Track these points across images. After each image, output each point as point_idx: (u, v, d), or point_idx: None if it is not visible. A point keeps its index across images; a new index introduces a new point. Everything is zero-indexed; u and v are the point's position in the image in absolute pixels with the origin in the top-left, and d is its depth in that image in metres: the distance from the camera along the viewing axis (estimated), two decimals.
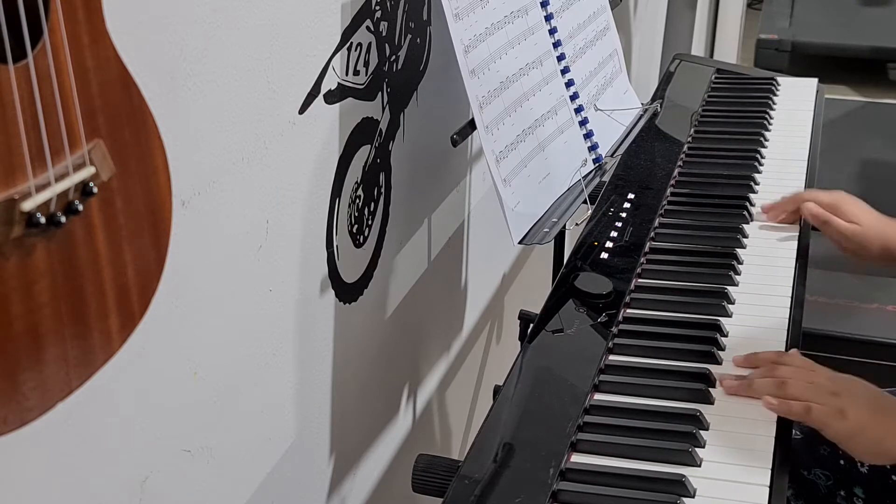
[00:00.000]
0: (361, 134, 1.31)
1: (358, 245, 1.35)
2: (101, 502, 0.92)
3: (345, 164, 1.27)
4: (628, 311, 1.28)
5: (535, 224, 1.37)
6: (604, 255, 1.37)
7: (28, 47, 0.61)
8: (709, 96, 1.93)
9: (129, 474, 0.95)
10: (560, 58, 1.52)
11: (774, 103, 1.91)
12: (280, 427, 1.22)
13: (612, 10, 1.76)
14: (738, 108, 1.88)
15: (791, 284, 1.35)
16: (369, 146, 1.33)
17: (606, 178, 1.55)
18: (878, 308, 2.08)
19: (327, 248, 1.26)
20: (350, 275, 1.34)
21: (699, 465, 1.02)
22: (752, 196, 1.56)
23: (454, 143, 1.33)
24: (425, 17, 1.46)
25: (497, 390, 1.19)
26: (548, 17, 1.50)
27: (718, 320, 1.25)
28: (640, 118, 1.71)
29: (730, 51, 4.04)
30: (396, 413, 1.59)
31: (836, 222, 1.43)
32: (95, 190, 0.67)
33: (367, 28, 1.28)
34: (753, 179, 1.61)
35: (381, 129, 1.36)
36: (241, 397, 1.12)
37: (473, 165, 1.76)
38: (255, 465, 1.17)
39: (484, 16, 1.35)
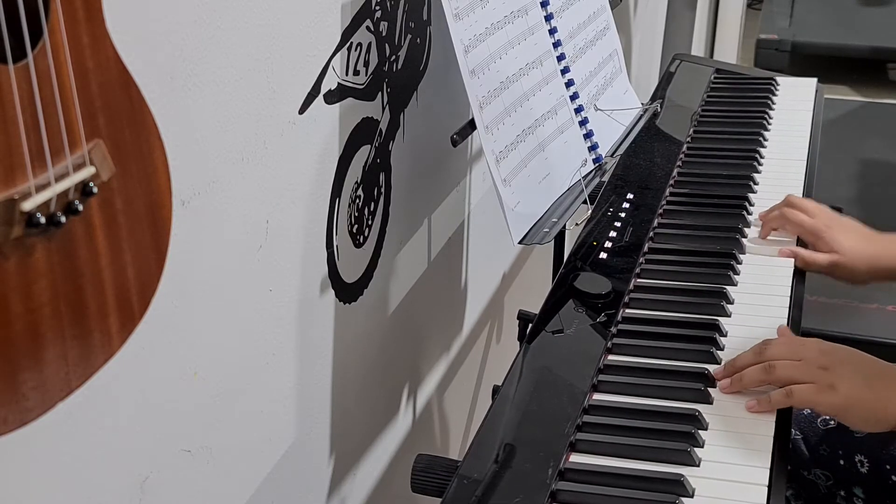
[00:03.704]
0: (361, 134, 1.31)
1: (358, 245, 1.35)
2: (101, 502, 0.92)
3: (345, 164, 1.28)
4: (627, 311, 1.28)
5: (535, 224, 1.37)
6: (603, 255, 1.37)
7: (28, 47, 0.61)
8: (708, 96, 1.93)
9: (129, 474, 0.95)
10: (560, 58, 1.52)
11: (774, 103, 1.91)
12: (280, 427, 1.22)
13: (612, 10, 1.76)
14: (738, 108, 1.88)
15: (790, 284, 1.35)
16: (369, 146, 1.34)
17: (606, 178, 1.55)
18: (878, 308, 2.08)
19: (327, 248, 1.26)
20: (350, 275, 1.34)
21: (698, 465, 1.02)
22: (751, 196, 1.56)
23: (454, 143, 1.33)
24: (425, 17, 1.46)
25: (496, 390, 1.19)
26: (548, 17, 1.51)
27: (717, 320, 1.25)
28: (639, 118, 1.71)
29: (730, 51, 4.04)
30: (396, 413, 1.59)
31: (815, 260, 1.39)
32: (95, 190, 0.67)
33: (367, 28, 1.28)
34: (753, 179, 1.61)
35: (381, 129, 1.36)
36: (241, 397, 1.12)
37: (473, 165, 1.76)
38: (255, 465, 1.17)
39: (484, 16, 1.35)
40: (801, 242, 1.45)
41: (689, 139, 1.75)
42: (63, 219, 0.65)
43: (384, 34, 1.33)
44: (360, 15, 1.26)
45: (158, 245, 0.76)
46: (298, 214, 1.18)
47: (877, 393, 1.09)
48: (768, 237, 1.46)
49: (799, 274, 1.39)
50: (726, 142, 1.74)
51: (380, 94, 1.34)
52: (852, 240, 1.40)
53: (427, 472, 1.08)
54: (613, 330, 1.22)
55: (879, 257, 1.38)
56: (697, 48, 3.85)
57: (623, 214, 1.47)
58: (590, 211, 1.45)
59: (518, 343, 1.33)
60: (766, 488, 1.00)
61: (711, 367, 1.16)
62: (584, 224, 1.44)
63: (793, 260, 1.40)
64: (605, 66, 1.69)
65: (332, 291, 1.29)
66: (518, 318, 1.39)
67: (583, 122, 1.54)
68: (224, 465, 1.10)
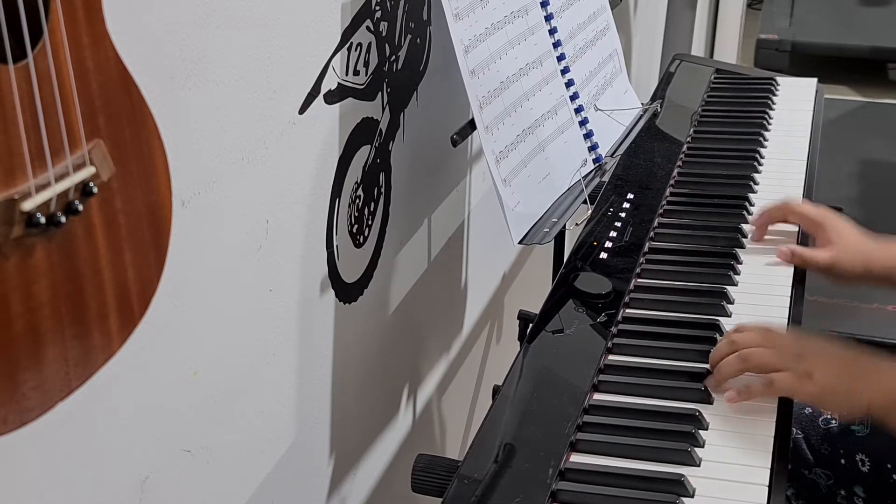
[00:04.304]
0: (361, 134, 1.31)
1: (358, 245, 1.35)
2: (101, 502, 0.92)
3: (345, 164, 1.28)
4: (628, 310, 1.28)
5: (535, 224, 1.37)
6: (603, 255, 1.37)
7: (28, 47, 0.61)
8: (708, 96, 1.93)
9: (129, 474, 0.95)
10: (560, 58, 1.52)
11: (774, 103, 1.91)
12: (280, 427, 1.22)
13: (612, 10, 1.76)
14: (738, 108, 1.88)
15: (790, 284, 1.35)
16: (369, 146, 1.34)
17: (606, 178, 1.55)
18: (878, 308, 2.08)
19: (327, 248, 1.26)
20: (350, 275, 1.34)
21: (698, 465, 1.02)
22: (751, 196, 1.56)
23: (454, 143, 1.33)
24: (425, 17, 1.46)
25: (496, 390, 1.19)
26: (548, 17, 1.50)
27: (718, 320, 1.25)
28: (639, 118, 1.71)
29: (730, 51, 4.04)
30: (396, 413, 1.59)
31: (814, 258, 1.38)
32: (95, 190, 0.67)
33: (367, 28, 1.28)
34: (753, 179, 1.61)
35: (381, 129, 1.36)
36: (241, 397, 1.12)
37: (473, 165, 1.76)
38: (255, 465, 1.17)
39: (484, 16, 1.35)
40: (802, 234, 1.44)
41: (689, 139, 1.75)
42: (63, 219, 0.65)
43: (384, 34, 1.33)
44: (360, 15, 1.25)
45: (158, 245, 0.76)
46: (298, 214, 1.18)
47: (851, 378, 1.10)
48: (769, 235, 1.45)
49: (799, 274, 1.39)
50: (727, 142, 1.74)
51: (380, 94, 1.34)
52: (853, 234, 1.40)
53: (427, 472, 1.08)
54: (614, 330, 1.22)
55: (876, 258, 1.38)
56: (697, 48, 3.85)
57: (623, 214, 1.47)
58: (590, 211, 1.45)
59: (518, 343, 1.33)
60: (767, 488, 1.00)
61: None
62: (584, 224, 1.44)
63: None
64: (605, 66, 1.69)
65: (332, 291, 1.29)
66: (518, 317, 1.39)
67: (583, 122, 1.54)
68: (224, 465, 1.10)
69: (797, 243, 1.43)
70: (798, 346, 1.12)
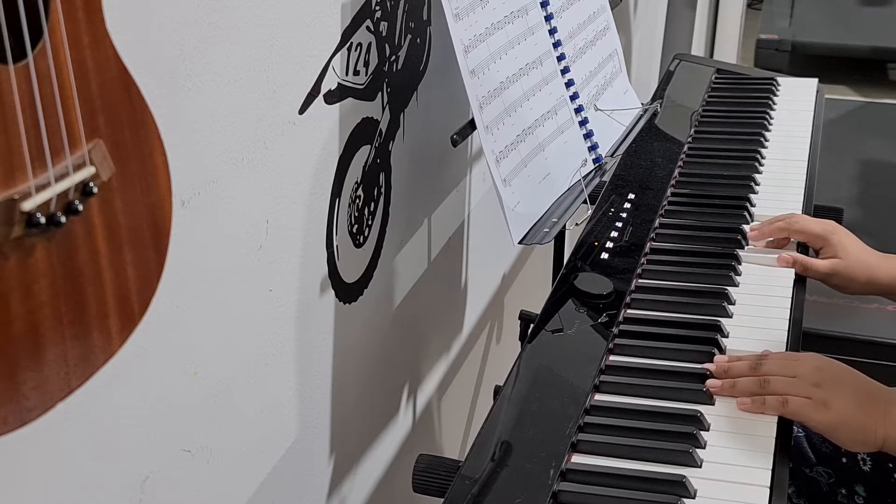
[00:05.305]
0: (361, 134, 1.30)
1: (358, 245, 1.35)
2: (101, 502, 0.92)
3: (345, 164, 1.27)
4: (629, 311, 1.28)
5: (535, 224, 1.37)
6: (604, 256, 1.36)
7: (28, 47, 0.61)
8: (709, 96, 1.92)
9: (129, 474, 0.95)
10: (560, 58, 1.52)
11: (774, 103, 1.91)
12: (280, 427, 1.22)
13: (612, 10, 1.76)
14: (739, 109, 1.88)
15: (791, 285, 1.35)
16: (369, 146, 1.33)
17: (606, 178, 1.55)
18: (878, 308, 2.08)
19: (327, 248, 1.26)
20: (350, 275, 1.34)
21: (700, 466, 1.02)
22: (752, 196, 1.56)
23: (454, 143, 1.33)
24: (425, 17, 1.46)
25: (497, 390, 1.19)
26: (548, 17, 1.50)
27: (719, 321, 1.25)
28: (640, 118, 1.71)
29: (730, 51, 4.05)
30: (396, 413, 1.59)
31: (815, 266, 1.39)
32: (95, 190, 0.67)
33: (367, 28, 1.28)
34: (754, 180, 1.61)
35: (381, 129, 1.36)
36: (241, 397, 1.12)
37: (473, 165, 1.76)
38: (255, 465, 1.17)
39: (484, 16, 1.35)
40: (800, 251, 1.44)
41: (689, 139, 1.75)
42: (63, 219, 0.65)
43: (384, 34, 1.33)
44: (360, 15, 1.25)
45: (158, 245, 0.76)
46: (298, 214, 1.18)
47: (867, 414, 1.10)
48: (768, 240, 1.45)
49: (799, 275, 1.39)
50: (727, 142, 1.74)
51: (380, 94, 1.34)
52: (857, 247, 1.41)
53: (428, 473, 1.08)
54: (615, 330, 1.22)
55: (880, 269, 1.39)
56: (697, 48, 3.86)
57: (624, 214, 1.47)
58: (590, 211, 1.45)
59: (519, 343, 1.33)
60: (768, 489, 1.00)
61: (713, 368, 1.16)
62: (584, 224, 1.44)
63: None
64: (605, 66, 1.69)
65: (332, 291, 1.29)
66: (520, 318, 1.39)
67: (583, 122, 1.54)
68: (224, 465, 1.09)
69: (797, 250, 1.43)
70: (818, 376, 1.12)
